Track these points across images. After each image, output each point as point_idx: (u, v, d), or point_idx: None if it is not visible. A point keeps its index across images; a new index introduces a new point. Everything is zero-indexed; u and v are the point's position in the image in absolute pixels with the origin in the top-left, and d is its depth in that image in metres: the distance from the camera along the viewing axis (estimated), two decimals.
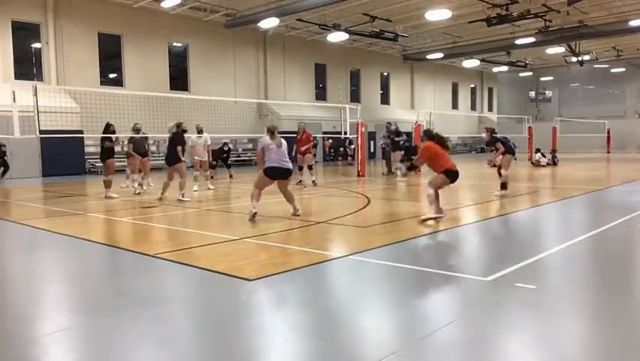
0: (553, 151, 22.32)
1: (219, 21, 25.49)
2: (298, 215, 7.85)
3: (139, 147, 12.59)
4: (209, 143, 13.13)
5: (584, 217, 8.55)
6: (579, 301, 3.99)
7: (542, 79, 44.37)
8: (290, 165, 7.89)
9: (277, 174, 7.75)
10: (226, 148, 16.72)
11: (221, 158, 16.41)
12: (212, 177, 13.69)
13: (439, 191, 7.43)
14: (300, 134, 13.88)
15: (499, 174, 10.61)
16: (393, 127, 16.35)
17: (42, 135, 12.18)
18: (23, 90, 11.82)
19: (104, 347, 3.18)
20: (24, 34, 20.87)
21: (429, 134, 7.70)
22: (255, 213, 7.61)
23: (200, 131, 13.04)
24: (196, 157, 12.88)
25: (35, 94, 11.22)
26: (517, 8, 21.49)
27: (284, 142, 7.91)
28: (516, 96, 46.18)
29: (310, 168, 13.82)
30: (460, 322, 3.45)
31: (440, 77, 40.91)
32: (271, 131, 7.90)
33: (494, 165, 13.89)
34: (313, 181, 13.50)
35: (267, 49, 28.76)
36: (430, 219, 7.22)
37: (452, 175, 7.40)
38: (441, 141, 7.55)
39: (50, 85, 19.91)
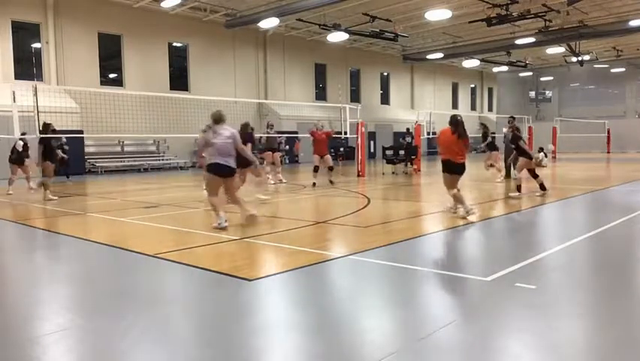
0: (541, 150, 22.12)
1: (219, 21, 25.48)
2: (255, 217, 7.16)
3: (271, 143, 14.22)
4: None
5: (584, 217, 8.54)
6: (579, 301, 3.99)
7: (542, 79, 44.33)
8: (231, 163, 7.07)
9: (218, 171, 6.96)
10: None
11: None
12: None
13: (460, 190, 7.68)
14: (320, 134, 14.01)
15: (534, 177, 10.21)
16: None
17: (42, 135, 12.19)
18: (23, 90, 11.82)
19: (104, 347, 3.18)
20: (24, 34, 20.86)
21: (451, 120, 7.68)
22: (226, 227, 6.84)
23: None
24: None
25: (35, 94, 11.23)
26: (517, 8, 21.48)
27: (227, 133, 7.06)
28: (516, 96, 46.14)
29: (332, 168, 13.71)
30: (460, 322, 3.45)
31: (440, 77, 40.91)
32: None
33: (491, 166, 14.12)
34: (331, 180, 13.41)
35: (267, 49, 28.77)
36: (463, 217, 7.43)
37: (443, 166, 7.64)
38: (456, 128, 7.54)
39: (50, 85, 19.91)
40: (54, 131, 11.56)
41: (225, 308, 3.83)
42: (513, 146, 10.35)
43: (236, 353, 3.03)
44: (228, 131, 7.17)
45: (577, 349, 3.09)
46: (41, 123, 11.24)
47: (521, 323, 3.45)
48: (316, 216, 8.13)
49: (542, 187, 10.11)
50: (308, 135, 14.22)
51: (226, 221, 6.88)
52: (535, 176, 10.18)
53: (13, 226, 7.97)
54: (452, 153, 7.53)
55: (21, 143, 12.41)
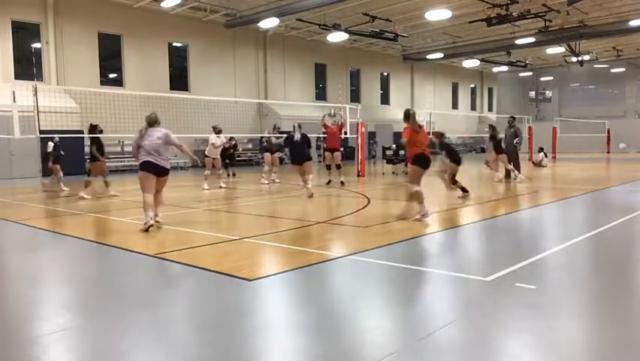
0: (541, 149, 22.13)
1: (219, 21, 25.48)
2: (159, 222, 7.25)
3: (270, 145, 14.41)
4: (225, 141, 13.95)
5: (583, 217, 8.54)
6: (579, 301, 3.99)
7: (542, 79, 44.33)
8: (163, 163, 7.17)
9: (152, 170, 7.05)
10: (233, 142, 16.62)
11: (229, 155, 16.32)
12: (229, 175, 14.09)
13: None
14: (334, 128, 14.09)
15: (454, 183, 10.23)
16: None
17: (42, 135, 12.21)
18: (23, 90, 11.81)
19: (104, 347, 3.18)
20: (24, 34, 20.85)
21: (412, 116, 7.60)
22: (152, 224, 6.87)
23: (219, 132, 13.37)
24: (211, 156, 13.39)
25: (35, 94, 11.23)
26: (517, 8, 21.49)
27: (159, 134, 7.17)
28: (516, 96, 46.14)
29: (339, 167, 13.62)
30: (460, 322, 3.45)
31: (440, 77, 40.90)
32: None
33: (488, 166, 14.19)
34: (342, 182, 13.34)
35: (267, 49, 28.76)
36: (419, 220, 7.28)
37: (422, 161, 7.43)
38: (413, 121, 7.57)
39: (50, 85, 19.90)
40: (101, 132, 11.88)
41: (225, 308, 3.83)
42: (443, 152, 10.33)
43: (236, 353, 3.03)
44: (160, 132, 7.32)
45: (577, 349, 3.09)
46: (89, 125, 11.72)
47: (521, 323, 3.45)
48: (316, 216, 8.13)
49: (464, 190, 9.99)
50: (313, 135, 14.28)
51: (152, 219, 6.90)
52: (454, 182, 10.16)
53: (13, 225, 7.97)
54: (425, 146, 7.61)
55: (51, 144, 12.80)
